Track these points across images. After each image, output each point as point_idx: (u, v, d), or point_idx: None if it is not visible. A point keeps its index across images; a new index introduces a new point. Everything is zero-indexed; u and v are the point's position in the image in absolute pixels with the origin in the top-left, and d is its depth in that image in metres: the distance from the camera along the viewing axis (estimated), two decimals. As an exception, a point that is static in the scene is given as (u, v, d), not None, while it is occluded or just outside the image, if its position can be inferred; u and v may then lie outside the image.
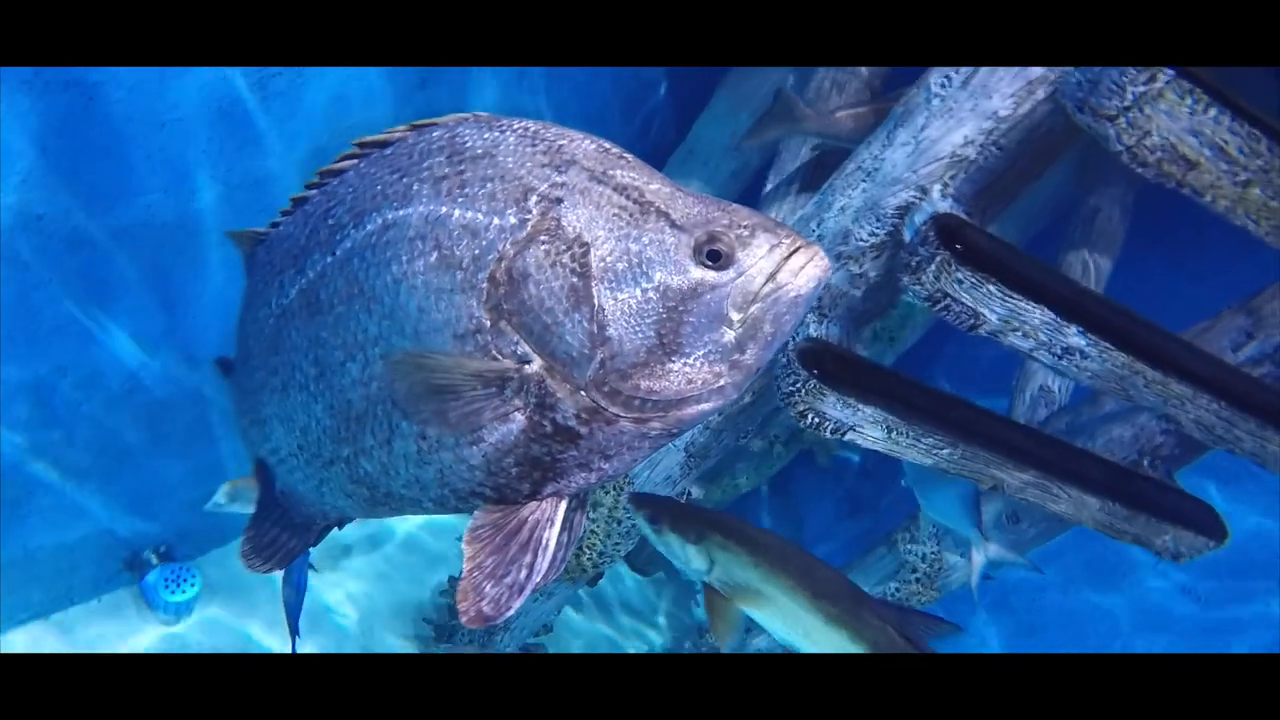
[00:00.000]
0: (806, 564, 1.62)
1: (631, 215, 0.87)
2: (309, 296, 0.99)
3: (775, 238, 0.87)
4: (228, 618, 2.54)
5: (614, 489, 2.26)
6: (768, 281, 0.86)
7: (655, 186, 0.89)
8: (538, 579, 0.91)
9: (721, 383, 0.88)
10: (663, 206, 0.88)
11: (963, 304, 1.54)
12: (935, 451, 1.78)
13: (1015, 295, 1.53)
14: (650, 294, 0.86)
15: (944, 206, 1.61)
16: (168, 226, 2.02)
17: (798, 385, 1.68)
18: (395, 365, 0.91)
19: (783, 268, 0.86)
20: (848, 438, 1.74)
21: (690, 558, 1.56)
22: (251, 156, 2.06)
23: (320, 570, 2.64)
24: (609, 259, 0.86)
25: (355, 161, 1.00)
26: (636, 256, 0.86)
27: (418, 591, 2.80)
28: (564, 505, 0.95)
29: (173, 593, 2.45)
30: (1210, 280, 2.43)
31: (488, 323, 0.88)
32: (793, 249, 0.87)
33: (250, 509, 1.20)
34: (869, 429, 1.73)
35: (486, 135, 0.92)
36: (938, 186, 1.63)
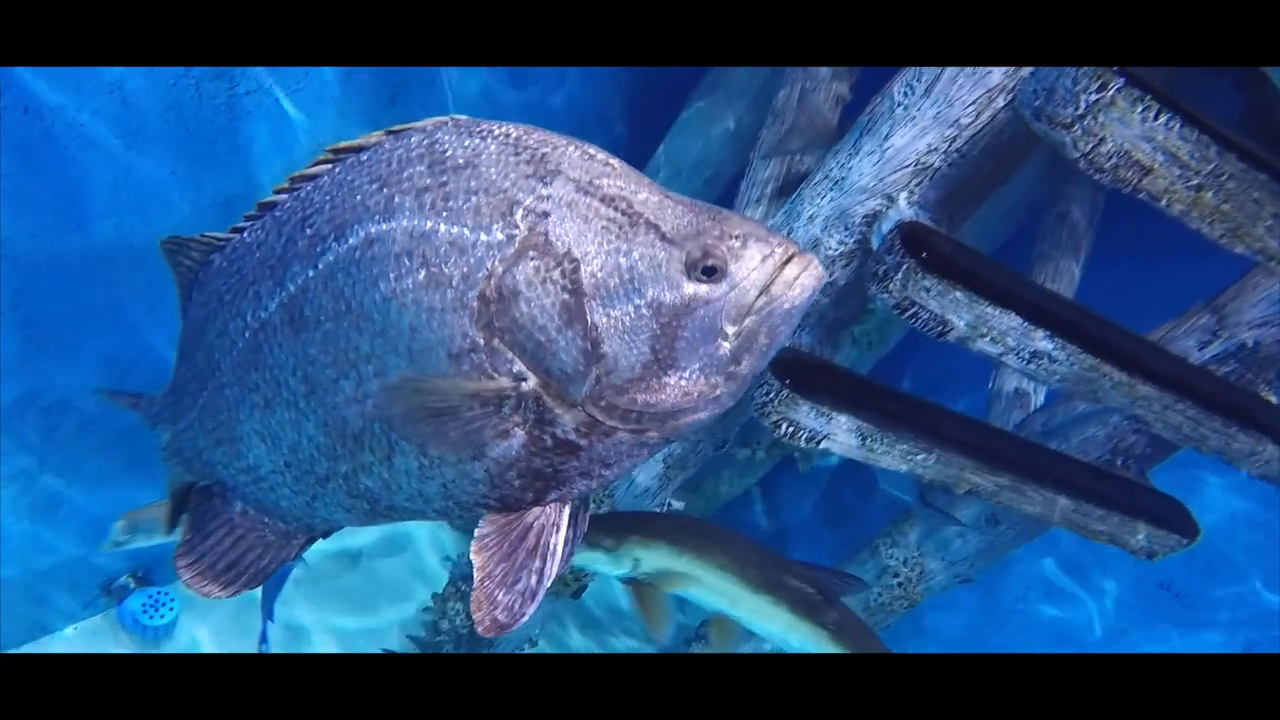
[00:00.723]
0: (725, 540, 1.64)
1: (621, 228, 0.86)
2: (291, 311, 0.97)
3: (768, 247, 0.87)
4: (208, 640, 2.51)
5: (595, 503, 2.25)
6: (761, 294, 0.86)
7: (643, 196, 0.88)
8: (548, 584, 0.91)
9: (718, 393, 0.88)
10: (652, 218, 0.87)
11: (930, 311, 1.55)
12: (910, 457, 1.79)
13: (982, 301, 1.55)
14: (643, 310, 0.85)
15: (910, 214, 1.63)
16: (136, 249, 2.00)
17: (771, 395, 1.69)
18: (391, 391, 0.90)
19: (776, 279, 0.86)
20: (822, 446, 1.75)
21: (612, 567, 1.58)
22: (222, 177, 2.05)
23: (299, 588, 2.62)
24: (600, 275, 0.85)
25: (329, 167, 0.97)
26: (628, 272, 0.85)
27: (400, 609, 2.78)
28: (568, 509, 0.95)
29: (151, 617, 2.42)
30: (1179, 278, 2.47)
31: (481, 341, 0.87)
32: (786, 258, 0.87)
33: (155, 540, 1.17)
34: (843, 437, 1.74)
35: (467, 143, 0.90)
36: (904, 194, 1.65)
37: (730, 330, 0.86)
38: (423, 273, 0.88)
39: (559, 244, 0.86)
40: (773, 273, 0.86)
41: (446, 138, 0.91)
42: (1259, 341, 1.78)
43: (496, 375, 0.88)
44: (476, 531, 0.93)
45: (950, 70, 1.57)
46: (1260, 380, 1.79)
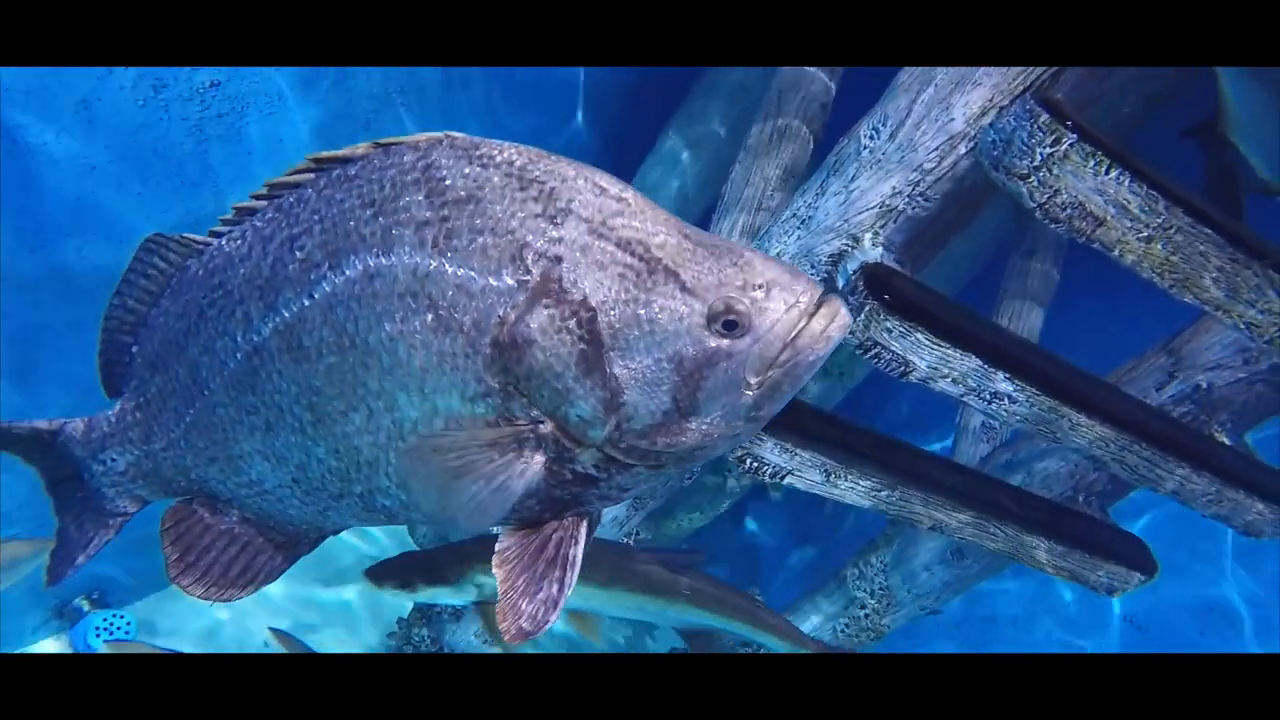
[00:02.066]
0: None
1: (639, 275, 0.83)
2: (289, 340, 0.94)
3: (792, 295, 0.84)
4: (164, 667, 2.45)
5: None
6: (786, 348, 0.84)
7: (660, 238, 0.85)
8: (569, 591, 0.92)
9: (737, 434, 0.88)
10: (671, 265, 0.84)
11: (893, 352, 1.57)
12: (874, 494, 1.80)
13: (943, 343, 1.57)
14: (665, 364, 0.84)
15: (875, 255, 1.65)
16: (101, 270, 1.98)
17: (735, 430, 1.69)
18: (408, 455, 0.88)
19: (803, 332, 0.84)
20: (787, 481, 1.76)
21: (456, 597, 1.69)
22: (191, 199, 2.03)
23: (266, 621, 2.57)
24: (618, 325, 0.83)
25: (310, 177, 0.94)
26: (648, 324, 0.83)
27: (366, 635, 2.74)
28: (585, 523, 0.95)
29: (105, 640, 2.36)
30: (1143, 317, 2.53)
31: (496, 386, 0.86)
32: (812, 309, 0.84)
33: (18, 575, 1.13)
34: (807, 473, 1.75)
35: (467, 170, 0.87)
36: (869, 235, 1.67)
37: (754, 381, 0.85)
38: (430, 315, 0.87)
39: (574, 292, 0.83)
40: (798, 323, 0.84)
41: (444, 161, 0.88)
42: (1212, 384, 1.82)
43: (514, 418, 0.86)
44: (497, 546, 0.94)
45: (915, 115, 1.61)
46: (1214, 422, 1.83)
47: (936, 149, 1.59)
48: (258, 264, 0.96)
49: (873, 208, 1.66)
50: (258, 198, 0.98)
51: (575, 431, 0.87)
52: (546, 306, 0.84)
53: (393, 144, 0.91)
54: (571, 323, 0.83)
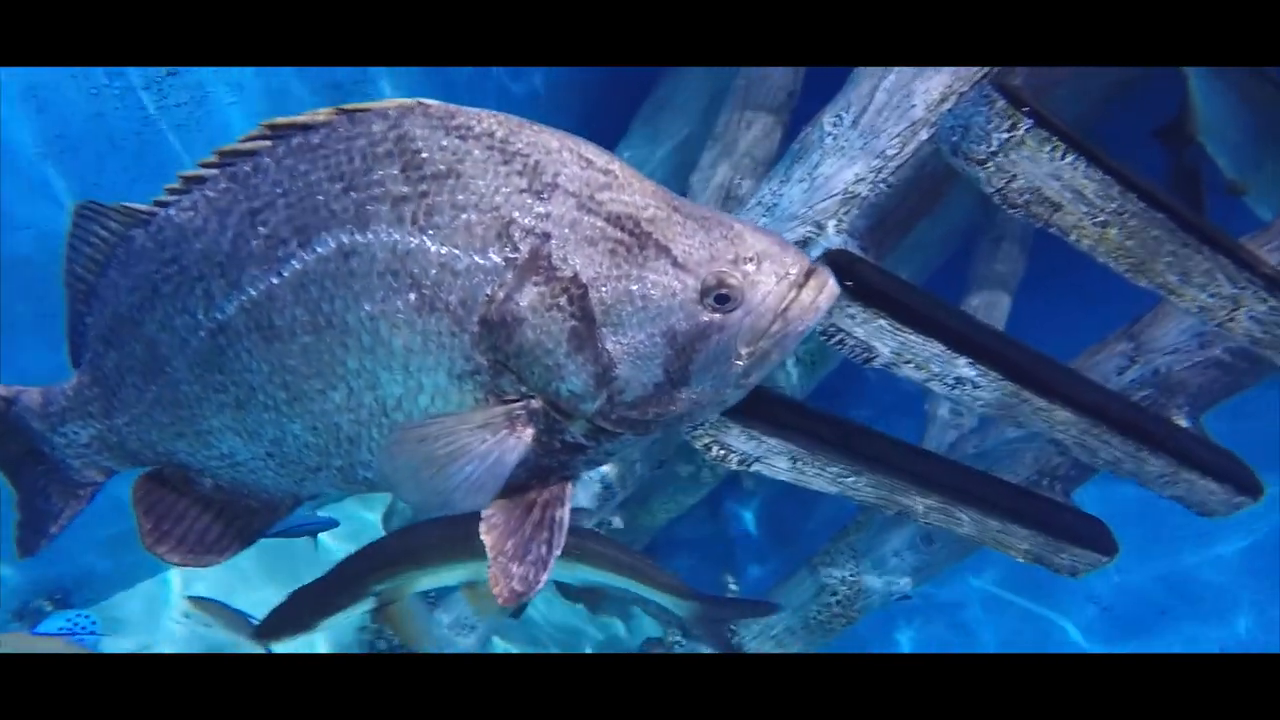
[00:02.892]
0: (440, 537, 1.74)
1: (630, 250, 0.83)
2: (258, 319, 0.92)
3: (782, 268, 0.85)
4: (132, 666, 2.42)
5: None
6: (777, 320, 0.85)
7: (650, 211, 0.84)
8: (558, 551, 0.92)
9: (726, 400, 0.89)
10: (662, 239, 0.83)
11: (856, 338, 1.58)
12: (841, 480, 1.81)
13: (906, 329, 1.58)
14: (657, 338, 0.84)
15: (839, 241, 1.66)
16: (59, 261, 1.94)
17: (702, 418, 1.70)
18: (391, 449, 0.86)
19: (792, 303, 0.85)
20: (754, 469, 1.77)
21: (357, 614, 1.75)
22: (153, 189, 1.99)
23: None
24: (610, 301, 0.83)
25: (266, 144, 0.90)
26: (641, 299, 0.83)
27: (339, 632, 2.72)
28: (569, 485, 0.95)
29: (68, 643, 2.32)
30: (1109, 301, 2.57)
31: (485, 363, 0.85)
32: (801, 280, 0.85)
33: None
34: (775, 460, 1.76)
35: (445, 143, 0.84)
36: (832, 222, 1.68)
37: (745, 351, 0.86)
38: (413, 294, 0.85)
39: (564, 268, 0.83)
40: (788, 295, 0.84)
41: (419, 133, 0.85)
42: (1170, 368, 1.86)
43: (504, 395, 0.85)
44: (484, 514, 0.93)
45: (877, 102, 1.61)
46: (1172, 405, 1.87)
47: (898, 135, 1.60)
48: (215, 239, 0.93)
49: (836, 194, 1.66)
50: (206, 166, 0.94)
51: (566, 406, 0.86)
52: (536, 284, 0.83)
53: (358, 110, 0.87)
54: (562, 299, 0.83)
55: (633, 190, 0.85)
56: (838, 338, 1.58)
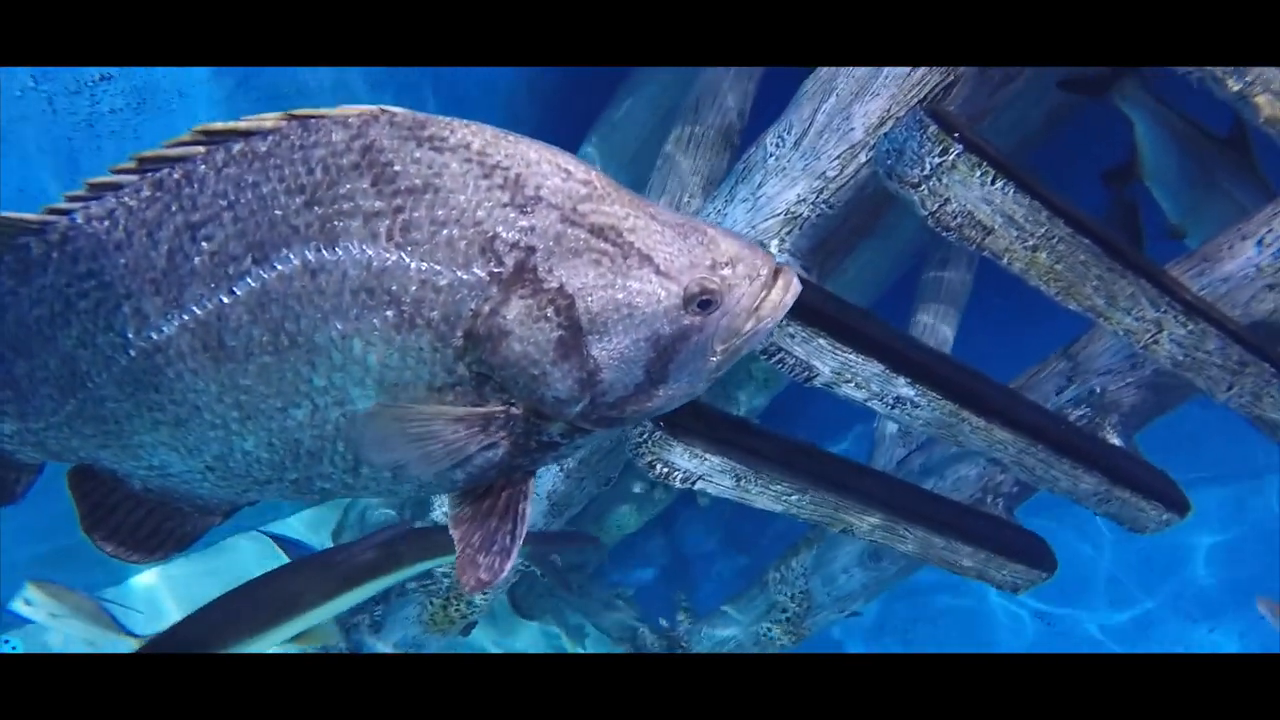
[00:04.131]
0: (283, 585, 1.76)
1: (614, 261, 0.85)
2: (205, 340, 0.88)
3: (754, 269, 0.89)
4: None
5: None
6: (750, 318, 0.90)
7: (630, 221, 0.85)
8: (520, 542, 0.95)
9: (696, 391, 0.93)
10: (644, 248, 0.86)
11: (796, 357, 1.59)
12: (785, 498, 1.82)
13: (845, 348, 1.59)
14: (641, 343, 0.87)
15: (782, 261, 1.67)
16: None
17: (644, 436, 1.69)
18: (365, 419, 0.86)
19: (764, 302, 0.90)
20: (698, 487, 1.76)
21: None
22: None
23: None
24: (595, 310, 0.84)
25: (198, 151, 0.85)
26: (626, 308, 0.85)
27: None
28: (531, 479, 0.97)
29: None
30: (1052, 320, 2.63)
31: (468, 374, 0.85)
32: (771, 279, 0.90)
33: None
34: (718, 478, 1.76)
35: (419, 156, 0.82)
36: (775, 242, 1.69)
37: (719, 348, 0.90)
38: (390, 311, 0.83)
39: (549, 280, 0.83)
40: (760, 294, 0.89)
41: (387, 144, 0.83)
42: (1105, 388, 1.90)
43: (485, 402, 0.86)
44: (451, 511, 0.96)
45: (818, 124, 1.63)
46: (1106, 424, 1.91)
47: (838, 157, 1.62)
48: (144, 254, 0.89)
49: (779, 214, 1.68)
50: (120, 172, 0.89)
51: (550, 410, 0.88)
52: (522, 297, 0.83)
53: (311, 117, 0.84)
54: (549, 310, 0.83)
55: (612, 200, 0.86)
56: (778, 356, 1.59)
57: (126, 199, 0.90)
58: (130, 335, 0.92)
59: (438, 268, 0.83)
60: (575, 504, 2.11)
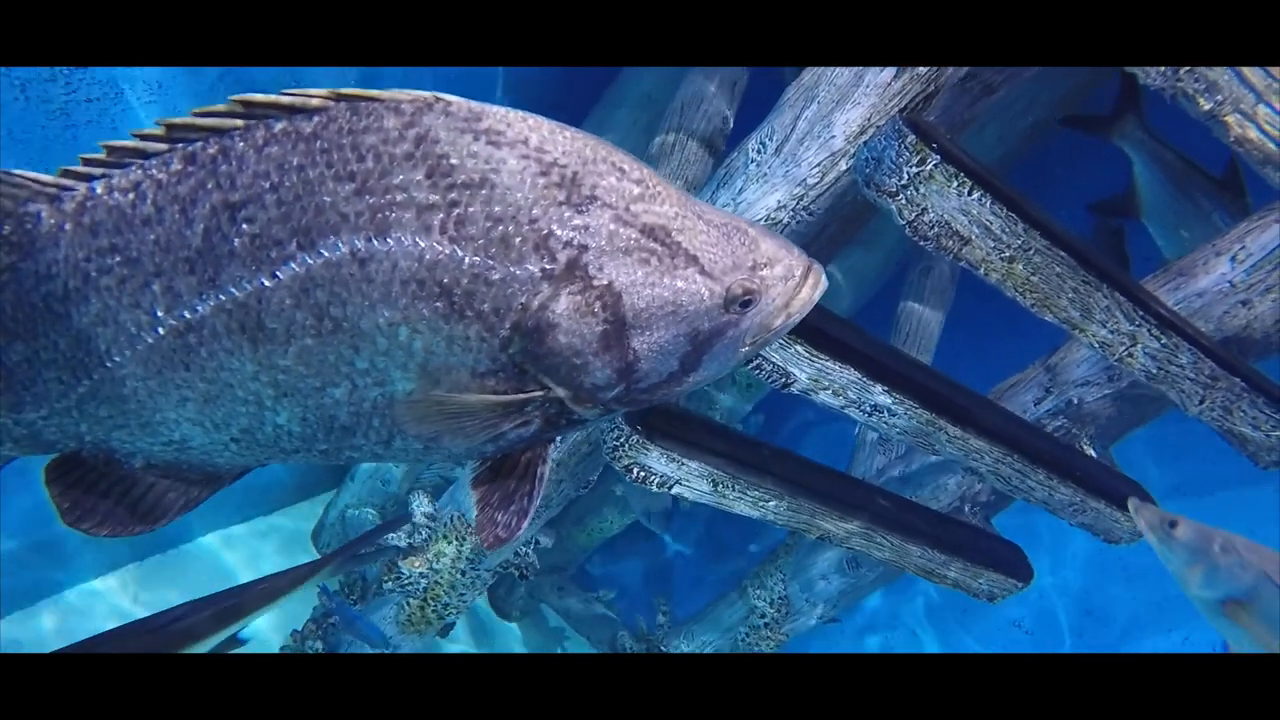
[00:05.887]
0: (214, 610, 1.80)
1: (661, 260, 0.88)
2: (243, 321, 0.87)
3: (790, 270, 0.92)
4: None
5: (456, 539, 2.19)
6: (781, 314, 0.93)
7: (680, 222, 0.89)
8: (538, 501, 0.98)
9: (723, 374, 0.97)
10: (690, 249, 0.88)
11: (773, 364, 1.59)
12: (762, 504, 1.81)
13: (822, 356, 1.59)
14: (681, 338, 0.90)
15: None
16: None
17: (621, 440, 1.68)
18: (412, 407, 0.89)
19: (795, 299, 0.93)
20: (675, 491, 1.76)
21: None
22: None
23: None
24: (641, 306, 0.87)
25: (236, 124, 0.82)
26: (671, 304, 0.88)
27: (269, 640, 2.62)
28: (551, 445, 1.00)
29: None
30: (1036, 330, 2.64)
31: (510, 363, 0.88)
32: (803, 278, 0.93)
33: None
34: (695, 483, 1.75)
35: (475, 150, 0.82)
36: (755, 248, 1.69)
37: (750, 341, 0.94)
38: (440, 303, 0.85)
39: (599, 277, 0.86)
40: (792, 292, 0.93)
41: (443, 135, 0.83)
42: (1082, 399, 1.91)
43: (524, 388, 0.89)
44: (470, 471, 1.00)
45: (799, 131, 1.63)
46: (1083, 435, 1.92)
47: (819, 165, 1.62)
48: (177, 231, 0.86)
49: (759, 220, 1.68)
50: (145, 138, 0.85)
51: (585, 395, 0.91)
52: (571, 292, 0.85)
53: (362, 98, 0.83)
54: (596, 305, 0.86)
55: (663, 200, 0.89)
56: (755, 362, 1.59)
57: (155, 171, 0.87)
58: (160, 313, 0.90)
59: (491, 263, 0.84)
60: (553, 506, 2.10)
